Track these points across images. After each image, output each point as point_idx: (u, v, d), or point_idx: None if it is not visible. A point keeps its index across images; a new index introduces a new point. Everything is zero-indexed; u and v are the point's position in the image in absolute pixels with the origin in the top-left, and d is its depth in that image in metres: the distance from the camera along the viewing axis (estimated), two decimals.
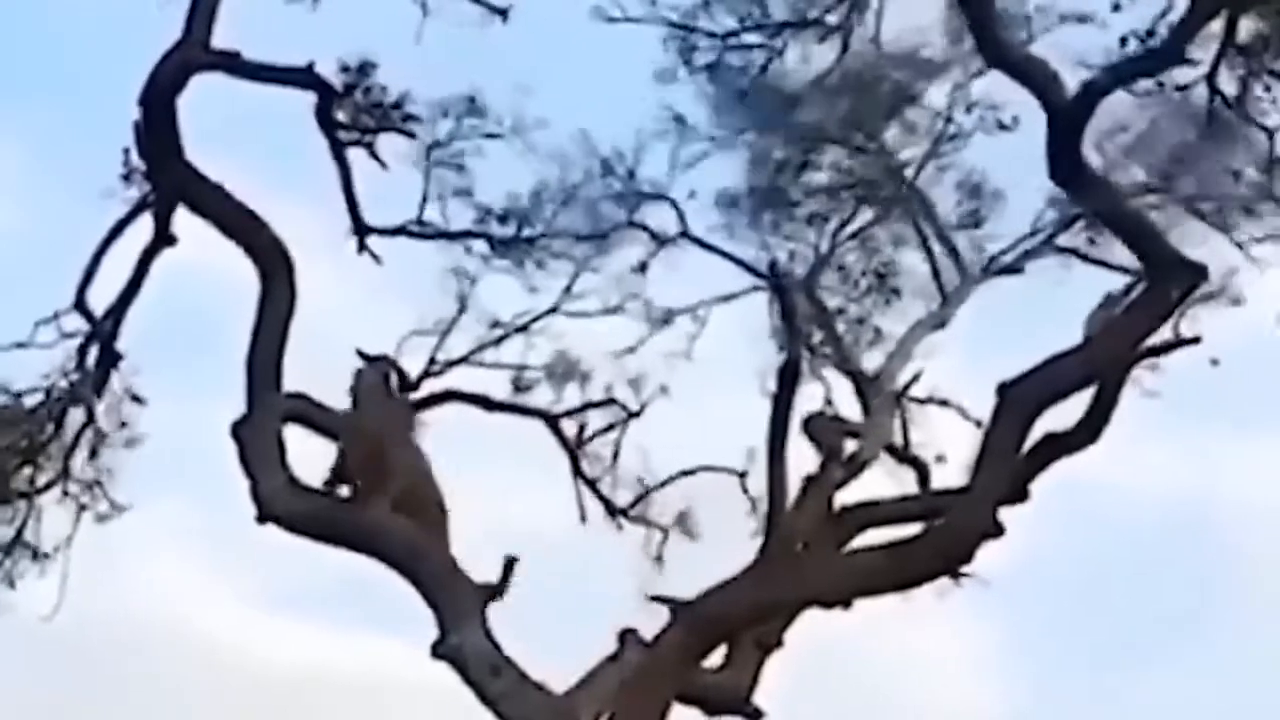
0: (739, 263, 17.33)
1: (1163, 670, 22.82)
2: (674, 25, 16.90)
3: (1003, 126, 17.16)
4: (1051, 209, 17.17)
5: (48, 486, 16.18)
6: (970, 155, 17.60)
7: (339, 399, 15.01)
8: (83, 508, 16.13)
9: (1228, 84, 15.38)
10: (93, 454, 16.15)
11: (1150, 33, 14.61)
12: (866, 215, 17.80)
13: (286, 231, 14.49)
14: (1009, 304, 17.38)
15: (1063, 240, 17.32)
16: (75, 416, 16.15)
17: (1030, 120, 13.98)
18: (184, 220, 15.08)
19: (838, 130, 17.27)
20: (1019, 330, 17.14)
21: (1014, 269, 17.44)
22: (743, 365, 16.81)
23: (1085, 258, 17.09)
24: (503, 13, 16.01)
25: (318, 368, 15.16)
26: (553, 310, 17.47)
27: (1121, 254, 15.54)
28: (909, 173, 17.48)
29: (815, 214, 17.58)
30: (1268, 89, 15.41)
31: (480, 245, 17.19)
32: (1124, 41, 14.77)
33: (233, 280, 14.97)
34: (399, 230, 16.64)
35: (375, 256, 16.27)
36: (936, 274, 17.13)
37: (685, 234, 17.47)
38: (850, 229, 17.76)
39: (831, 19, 17.00)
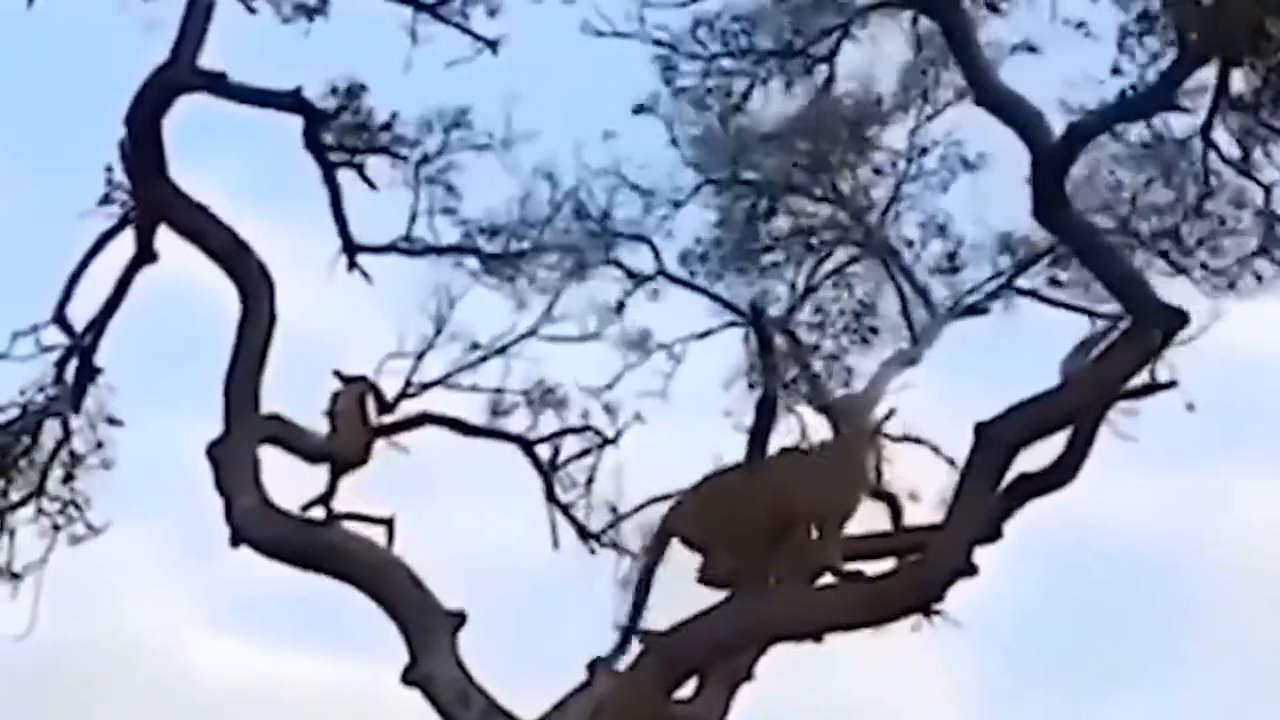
0: (717, 299, 17.55)
1: (1137, 706, 22.86)
2: (659, 43, 17.00)
3: (967, 165, 17.36)
4: (1009, 251, 17.32)
5: (22, 503, 16.10)
6: (938, 194, 17.78)
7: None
8: (57, 528, 16.05)
9: (1222, 137, 15.38)
10: (68, 477, 16.07)
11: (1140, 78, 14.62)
12: (842, 255, 17.92)
13: (275, 246, 14.59)
14: (984, 340, 17.45)
15: (1026, 281, 17.41)
16: (51, 433, 16.09)
17: (1000, 157, 14.09)
18: (167, 237, 15.11)
19: (802, 176, 17.45)
20: (993, 366, 17.24)
21: (979, 309, 17.50)
22: (718, 394, 16.98)
23: (1046, 300, 17.22)
24: (493, 45, 16.06)
25: (308, 386, 15.23)
26: (531, 333, 17.46)
27: (1087, 297, 15.87)
28: (875, 215, 17.62)
29: (792, 253, 17.72)
30: (1264, 143, 15.38)
31: (470, 261, 17.20)
32: (1115, 72, 14.74)
33: (214, 298, 15.00)
34: (389, 248, 16.65)
35: (366, 275, 16.31)
36: (906, 313, 17.20)
37: (662, 272, 17.66)
38: (827, 267, 17.88)
39: (817, 50, 17.06)
